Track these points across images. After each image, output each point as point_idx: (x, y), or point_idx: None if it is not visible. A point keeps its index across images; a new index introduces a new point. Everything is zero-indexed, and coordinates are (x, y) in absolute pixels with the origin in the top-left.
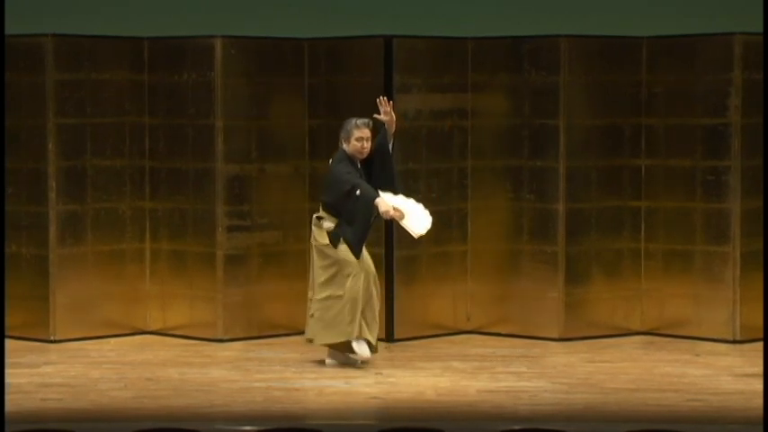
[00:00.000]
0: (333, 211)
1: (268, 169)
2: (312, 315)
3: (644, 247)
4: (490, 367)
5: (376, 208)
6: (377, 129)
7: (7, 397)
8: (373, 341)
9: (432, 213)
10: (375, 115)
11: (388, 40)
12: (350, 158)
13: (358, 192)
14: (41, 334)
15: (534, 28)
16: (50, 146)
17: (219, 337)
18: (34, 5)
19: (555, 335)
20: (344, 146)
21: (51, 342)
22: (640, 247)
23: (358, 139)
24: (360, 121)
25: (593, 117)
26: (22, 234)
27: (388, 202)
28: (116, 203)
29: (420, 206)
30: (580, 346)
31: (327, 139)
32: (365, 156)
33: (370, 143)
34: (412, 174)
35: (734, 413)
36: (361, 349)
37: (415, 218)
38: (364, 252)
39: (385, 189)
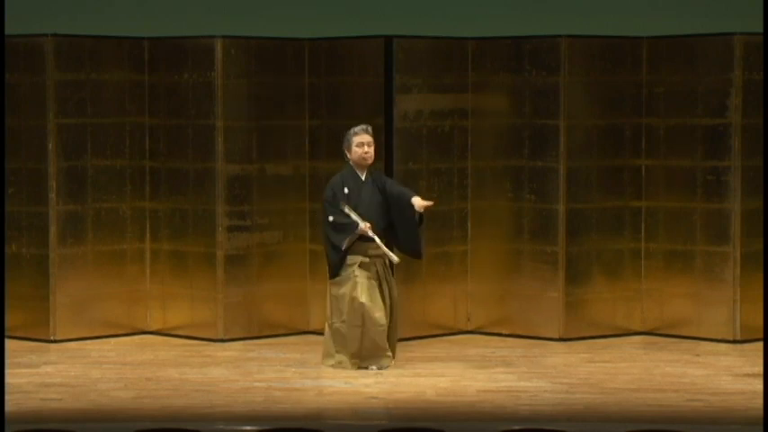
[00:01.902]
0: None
1: (268, 169)
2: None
3: (644, 247)
4: (490, 367)
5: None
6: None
7: (7, 397)
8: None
9: (432, 213)
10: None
11: (388, 40)
12: (353, 171)
13: (331, 218)
14: (41, 334)
15: (534, 28)
16: (51, 146)
17: (220, 337)
18: (34, 5)
19: (555, 335)
20: (348, 157)
21: (51, 342)
22: (641, 247)
23: (359, 144)
24: (357, 128)
25: (594, 117)
26: (23, 234)
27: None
28: (116, 203)
29: None
30: (580, 346)
31: (327, 140)
32: (369, 161)
33: (372, 147)
34: (412, 174)
35: (734, 413)
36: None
37: None
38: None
39: (408, 253)
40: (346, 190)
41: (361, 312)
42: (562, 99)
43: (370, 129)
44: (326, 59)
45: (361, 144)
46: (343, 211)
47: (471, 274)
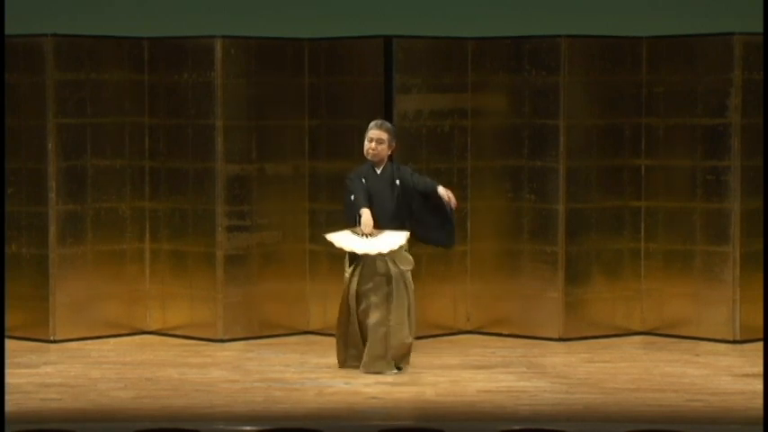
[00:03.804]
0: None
1: (268, 169)
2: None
3: (644, 247)
4: (490, 367)
5: (359, 217)
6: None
7: (7, 397)
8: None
9: None
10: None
11: (387, 40)
12: (370, 165)
13: (352, 197)
14: (41, 334)
15: (534, 28)
16: (50, 146)
17: (219, 338)
18: (34, 5)
19: (555, 335)
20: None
21: (51, 342)
22: (640, 247)
23: (369, 139)
24: (373, 122)
25: (594, 117)
26: (22, 234)
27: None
28: (116, 203)
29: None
30: (580, 346)
31: (327, 140)
32: (375, 158)
33: (382, 145)
34: None
35: (734, 413)
36: None
37: (385, 239)
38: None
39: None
40: (364, 180)
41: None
42: (562, 99)
43: (385, 125)
44: (326, 59)
45: (371, 140)
46: (359, 187)
47: (471, 273)
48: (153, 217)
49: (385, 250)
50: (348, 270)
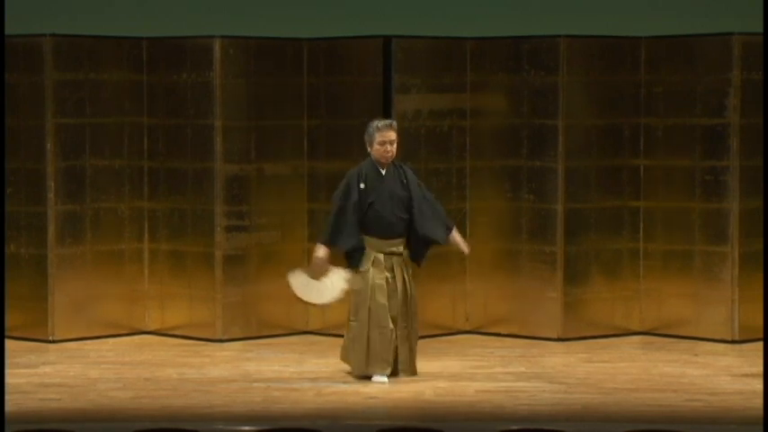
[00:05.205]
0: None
1: (267, 169)
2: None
3: (643, 247)
4: (489, 367)
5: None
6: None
7: (6, 397)
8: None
9: None
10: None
11: (387, 41)
12: (374, 165)
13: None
14: (40, 334)
15: (534, 28)
16: (49, 146)
17: (218, 337)
18: (34, 5)
19: (554, 335)
20: (369, 150)
21: (50, 342)
22: (639, 247)
23: (381, 142)
24: (381, 124)
25: (593, 117)
26: (21, 234)
27: (321, 258)
28: (115, 203)
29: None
30: (579, 346)
31: (326, 140)
32: (390, 159)
33: (394, 146)
34: None
35: (733, 413)
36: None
37: (316, 291)
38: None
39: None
40: (362, 185)
41: (377, 314)
42: (561, 99)
43: (394, 124)
44: (325, 59)
45: (384, 143)
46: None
47: (470, 273)
48: (152, 217)
49: (326, 301)
50: (366, 271)
